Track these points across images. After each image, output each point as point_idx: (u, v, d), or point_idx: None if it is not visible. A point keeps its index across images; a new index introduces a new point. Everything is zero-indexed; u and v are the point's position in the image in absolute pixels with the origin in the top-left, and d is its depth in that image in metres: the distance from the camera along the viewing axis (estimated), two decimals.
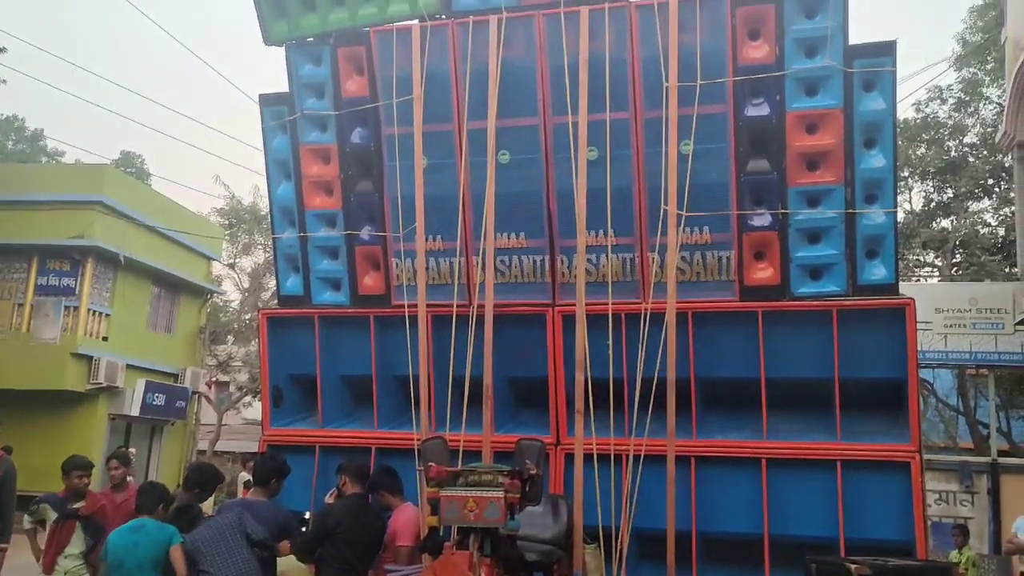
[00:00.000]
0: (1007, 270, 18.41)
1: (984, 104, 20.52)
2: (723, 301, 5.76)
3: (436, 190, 6.05)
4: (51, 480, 7.41)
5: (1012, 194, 16.56)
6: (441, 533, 4.82)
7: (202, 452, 25.53)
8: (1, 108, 21.98)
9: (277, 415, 6.69)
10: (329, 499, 5.75)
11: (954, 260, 19.92)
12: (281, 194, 6.58)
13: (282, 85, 6.49)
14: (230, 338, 29.82)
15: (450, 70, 6.00)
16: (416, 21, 6.06)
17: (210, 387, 28.11)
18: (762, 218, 5.65)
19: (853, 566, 3.97)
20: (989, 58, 19.55)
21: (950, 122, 20.70)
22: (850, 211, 5.53)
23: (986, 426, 17.38)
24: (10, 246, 19.33)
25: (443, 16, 6.03)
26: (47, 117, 52.47)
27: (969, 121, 20.71)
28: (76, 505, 6.51)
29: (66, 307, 19.26)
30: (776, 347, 5.67)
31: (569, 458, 5.75)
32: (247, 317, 28.60)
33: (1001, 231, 20.13)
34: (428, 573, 4.32)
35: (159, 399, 21.53)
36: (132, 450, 20.25)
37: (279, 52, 6.40)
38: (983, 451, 16.62)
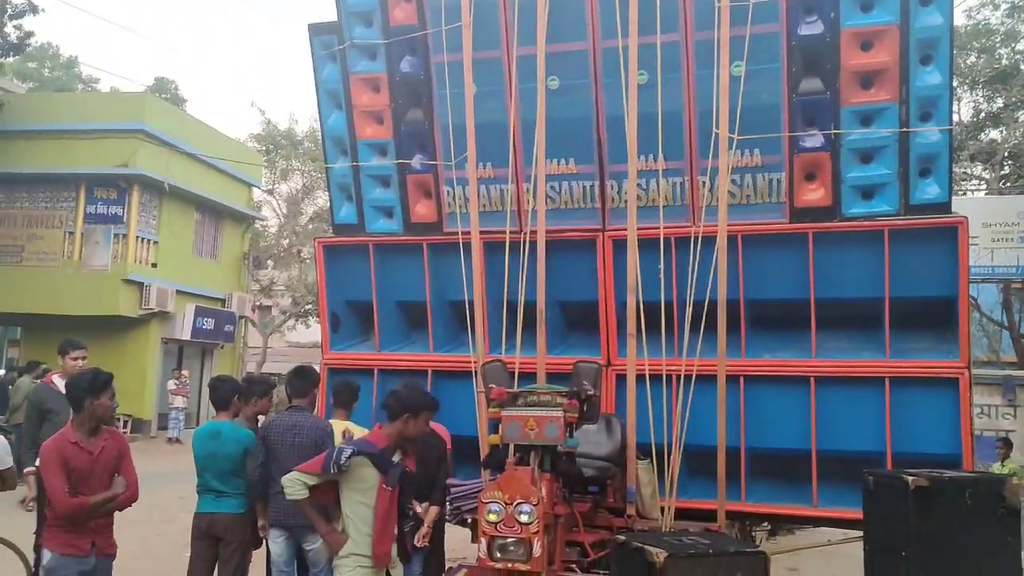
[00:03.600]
0: None
1: None
2: (773, 223, 5.81)
3: (486, 117, 6.09)
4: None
5: None
6: (501, 451, 5.05)
7: (250, 373, 26.29)
8: (37, 36, 21.99)
9: (335, 340, 6.92)
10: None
11: (1003, 172, 19.51)
12: (333, 124, 6.67)
13: (328, 14, 6.52)
14: (270, 263, 30.29)
15: None
16: None
17: (254, 311, 28.74)
18: (814, 139, 5.65)
19: (910, 478, 4.09)
20: None
21: (1002, 28, 19.99)
22: (904, 130, 5.50)
23: None
24: (58, 175, 19.76)
25: None
26: (81, 43, 52.52)
27: (1022, 27, 19.98)
28: None
29: (115, 235, 19.74)
30: (826, 268, 5.72)
31: (620, 378, 5.91)
32: (285, 242, 29.00)
33: None
34: (493, 488, 4.53)
35: (208, 323, 22.16)
36: (185, 372, 21.04)
37: None
38: None
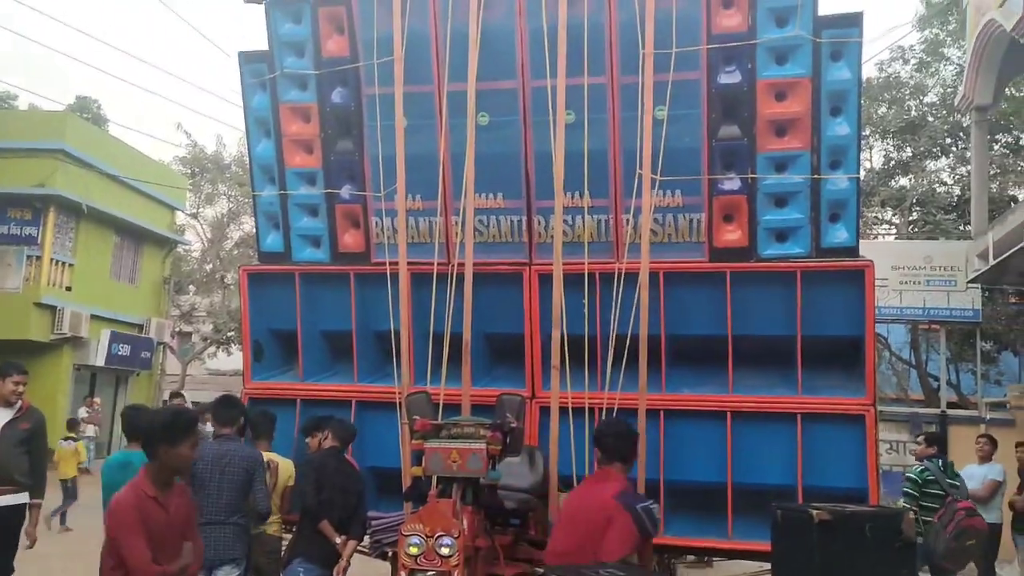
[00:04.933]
0: (961, 228, 18.93)
1: (944, 64, 20.87)
2: (693, 262, 6.00)
3: (416, 150, 6.15)
4: None
5: (969, 154, 16.98)
6: (423, 483, 5.06)
7: (166, 401, 25.53)
8: None
9: (258, 369, 6.83)
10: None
11: (911, 218, 20.40)
12: (261, 152, 6.64)
13: (249, 43, 6.52)
14: (192, 288, 29.65)
15: (431, 32, 6.07)
16: None
17: (173, 337, 28.02)
18: (732, 182, 5.87)
19: (815, 512, 4.27)
20: (951, 18, 19.84)
21: (911, 82, 21.04)
22: (815, 176, 5.77)
23: (936, 379, 18.02)
24: None
25: None
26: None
27: (930, 81, 21.07)
28: None
29: (28, 256, 19.11)
30: (743, 306, 5.92)
31: (544, 411, 5.98)
32: (209, 267, 28.46)
33: (957, 190, 20.62)
34: (414, 520, 4.54)
35: (124, 349, 21.53)
36: (97, 400, 20.33)
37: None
38: (933, 403, 17.27)
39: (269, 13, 6.37)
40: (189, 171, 28.30)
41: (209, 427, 6.18)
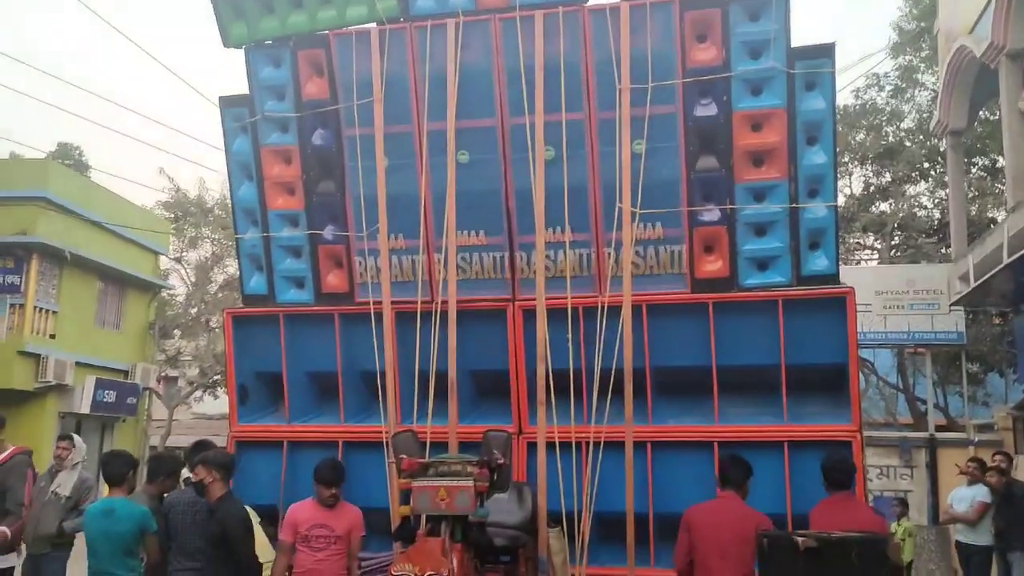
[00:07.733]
0: (943, 251, 19.09)
1: (919, 90, 21.17)
2: (675, 293, 6.03)
3: (397, 189, 6.21)
4: None
5: (947, 178, 17.17)
6: (412, 522, 5.03)
7: (153, 447, 25.28)
8: None
9: (244, 412, 6.79)
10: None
11: (893, 243, 20.57)
12: (243, 195, 6.67)
13: (228, 87, 6.58)
14: (177, 332, 29.47)
15: (409, 72, 6.15)
16: (374, 25, 6.19)
17: (159, 382, 27.80)
18: (711, 213, 5.93)
19: (800, 539, 4.27)
20: (924, 45, 20.15)
21: (887, 108, 21.30)
22: (793, 205, 5.84)
23: (924, 402, 18.07)
24: None
25: (401, 20, 6.16)
26: None
27: (905, 107, 21.34)
28: None
29: (11, 305, 18.98)
30: (726, 336, 5.95)
31: (531, 446, 5.97)
32: (193, 311, 28.31)
33: (937, 214, 20.82)
34: (403, 559, 4.50)
35: (109, 396, 21.33)
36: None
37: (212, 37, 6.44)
38: (921, 427, 17.29)
39: (249, 58, 6.43)
40: (172, 215, 28.25)
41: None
